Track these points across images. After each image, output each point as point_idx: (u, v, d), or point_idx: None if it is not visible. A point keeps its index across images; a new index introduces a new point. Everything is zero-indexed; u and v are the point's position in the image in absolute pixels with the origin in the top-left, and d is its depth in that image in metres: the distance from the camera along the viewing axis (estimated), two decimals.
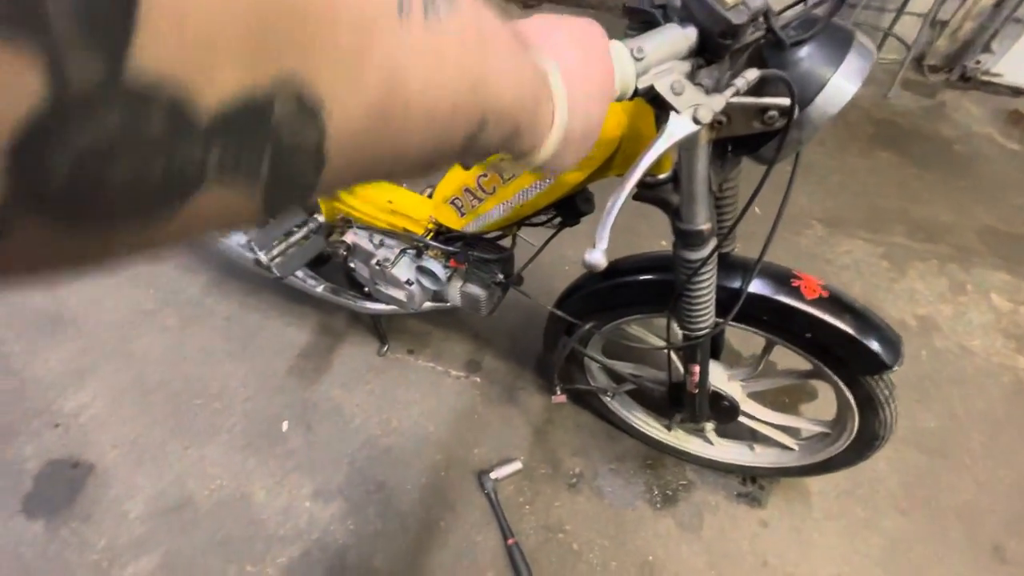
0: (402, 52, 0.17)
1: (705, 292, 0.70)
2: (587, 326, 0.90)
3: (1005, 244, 1.86)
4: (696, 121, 0.40)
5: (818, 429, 0.96)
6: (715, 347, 0.98)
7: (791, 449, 1.02)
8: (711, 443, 1.13)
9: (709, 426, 1.05)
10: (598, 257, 0.43)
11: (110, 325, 1.40)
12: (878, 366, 0.73)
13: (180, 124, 0.12)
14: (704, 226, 0.62)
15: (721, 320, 0.73)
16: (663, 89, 0.39)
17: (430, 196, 1.00)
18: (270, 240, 1.02)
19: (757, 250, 0.78)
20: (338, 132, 0.16)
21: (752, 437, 1.13)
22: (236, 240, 1.20)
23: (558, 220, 0.85)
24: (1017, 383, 1.46)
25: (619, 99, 0.39)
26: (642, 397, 1.17)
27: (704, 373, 0.83)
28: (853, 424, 0.85)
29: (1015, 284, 1.74)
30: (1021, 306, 1.69)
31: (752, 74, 0.43)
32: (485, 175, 0.78)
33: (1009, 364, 1.51)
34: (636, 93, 0.39)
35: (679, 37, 0.40)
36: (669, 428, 1.17)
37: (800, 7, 0.48)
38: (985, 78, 2.60)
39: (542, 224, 0.88)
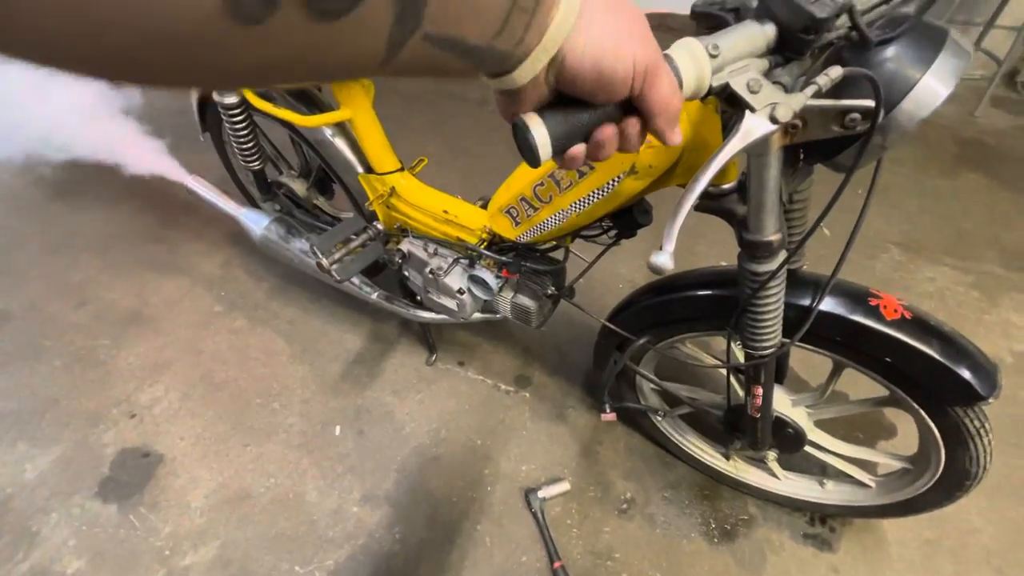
0: None
1: (772, 308, 0.66)
2: (640, 341, 0.87)
3: None
4: (774, 120, 0.38)
5: (898, 464, 0.87)
6: (779, 370, 0.93)
7: (867, 486, 0.93)
8: (775, 475, 1.05)
9: (772, 456, 0.98)
10: (665, 259, 0.41)
11: (185, 325, 1.50)
12: (971, 396, 0.66)
13: None
14: (773, 236, 0.59)
15: (788, 340, 0.69)
16: (739, 86, 0.38)
17: (483, 207, 1.01)
18: (331, 246, 1.07)
19: (827, 271, 0.74)
20: None
21: (822, 472, 1.04)
22: (299, 246, 1.26)
23: (614, 232, 0.84)
24: None
25: (693, 97, 0.38)
26: (697, 421, 1.12)
27: (768, 397, 0.78)
28: (939, 460, 0.77)
29: None
30: None
31: (836, 72, 0.41)
32: (542, 183, 0.78)
33: None
34: (711, 91, 0.38)
35: (757, 34, 0.39)
36: (727, 456, 1.10)
37: (885, 5, 0.46)
38: None
39: (597, 236, 0.87)
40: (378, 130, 1.05)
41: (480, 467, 1.21)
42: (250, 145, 1.20)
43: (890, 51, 0.46)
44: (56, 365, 1.40)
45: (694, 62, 0.36)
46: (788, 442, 0.89)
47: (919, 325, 0.69)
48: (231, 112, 1.12)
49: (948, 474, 0.78)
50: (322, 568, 1.06)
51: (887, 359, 0.69)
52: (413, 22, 0.22)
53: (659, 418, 1.08)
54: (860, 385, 0.98)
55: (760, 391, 0.77)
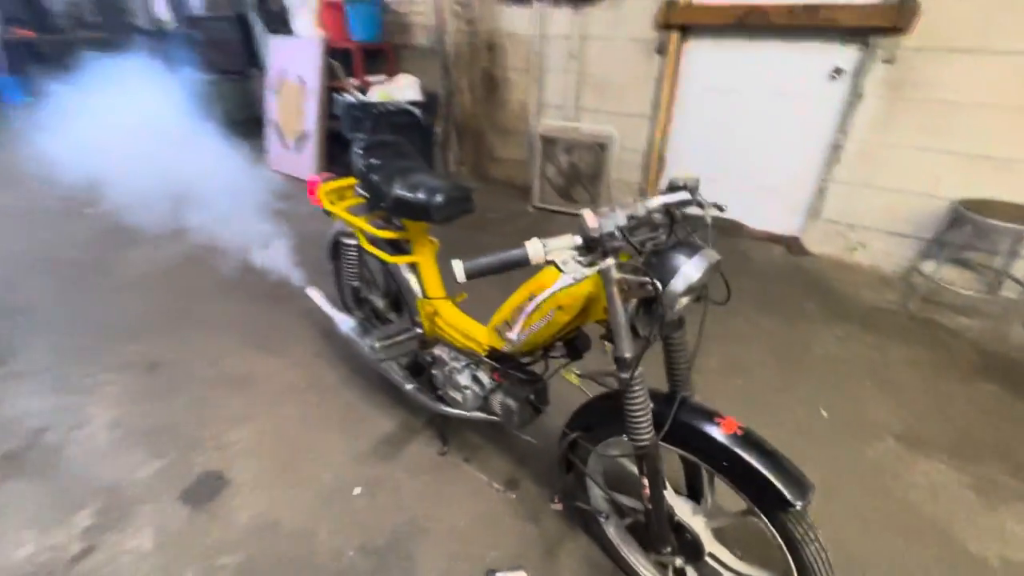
0: None
1: (639, 407, 0.95)
2: (573, 435, 1.17)
3: None
4: (577, 277, 0.78)
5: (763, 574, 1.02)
6: (693, 489, 1.15)
7: None
8: None
9: (690, 571, 1.14)
10: (458, 269, 0.78)
11: (273, 392, 1.98)
12: (784, 502, 0.87)
13: None
14: (627, 354, 0.92)
15: (656, 435, 0.97)
16: (557, 260, 0.79)
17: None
18: (386, 335, 1.53)
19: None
20: None
21: None
22: (369, 342, 1.74)
23: (566, 354, 1.20)
24: None
25: (536, 263, 0.79)
26: (640, 537, 1.30)
27: (656, 488, 1.01)
28: (791, 569, 0.93)
29: None
30: None
31: (610, 260, 0.81)
32: (514, 312, 1.19)
33: None
34: (548, 262, 0.80)
35: (569, 239, 0.81)
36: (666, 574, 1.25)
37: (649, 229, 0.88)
38: None
39: (558, 356, 1.24)
40: (435, 271, 1.56)
41: (457, 545, 1.43)
42: (355, 271, 1.77)
43: (669, 253, 0.85)
44: (182, 402, 1.92)
45: (533, 249, 0.77)
46: (689, 549, 1.07)
47: (748, 440, 0.93)
48: (349, 248, 1.71)
49: None
50: None
51: (724, 463, 0.93)
52: None
53: (603, 520, 1.28)
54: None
55: (647, 482, 1.01)
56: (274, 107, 4.53)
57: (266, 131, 4.69)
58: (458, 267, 0.79)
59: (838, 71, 2.82)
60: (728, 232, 3.47)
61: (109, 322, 2.40)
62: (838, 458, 1.76)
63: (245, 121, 5.41)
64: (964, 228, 2.46)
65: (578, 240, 0.81)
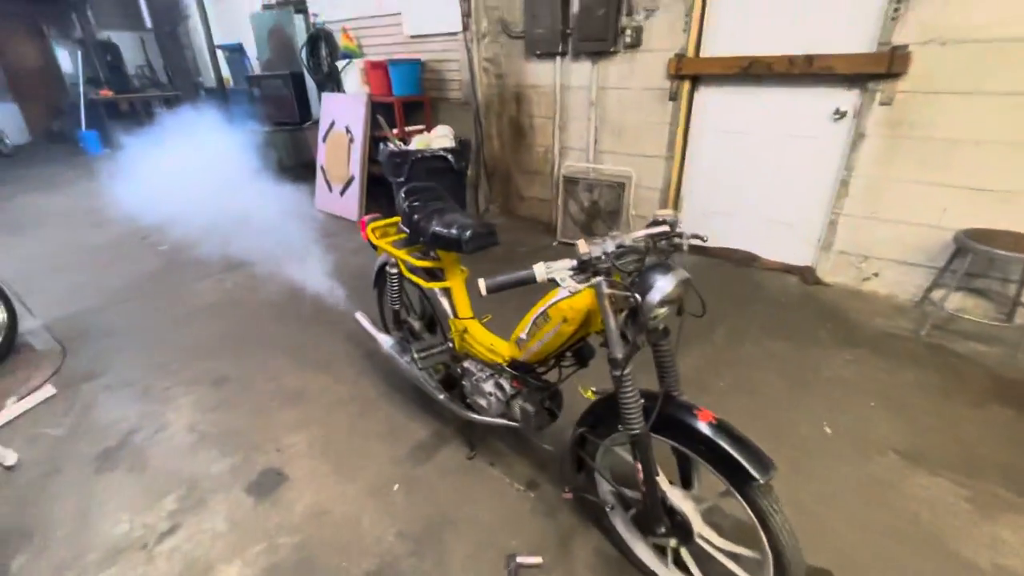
0: None
1: (630, 400, 1.16)
2: (581, 430, 1.37)
3: None
4: (571, 291, 1.02)
5: (751, 553, 1.17)
6: (684, 478, 1.33)
7: None
8: None
9: (684, 551, 1.30)
10: (482, 284, 1.02)
11: (324, 404, 2.24)
12: (749, 477, 1.05)
13: None
14: (618, 355, 1.14)
15: (645, 424, 1.17)
16: (556, 277, 1.03)
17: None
18: (423, 347, 1.79)
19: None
20: None
21: None
22: (407, 359, 1.99)
23: (575, 362, 1.42)
24: None
25: (542, 281, 1.03)
26: (641, 527, 1.46)
27: (648, 471, 1.20)
28: (763, 539, 1.09)
29: None
30: None
31: (600, 278, 1.05)
32: (530, 326, 1.42)
33: None
34: (550, 280, 1.03)
35: (567, 262, 1.05)
36: (666, 564, 1.41)
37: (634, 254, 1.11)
38: None
39: (568, 365, 1.46)
40: (464, 295, 1.82)
41: (483, 534, 1.63)
42: (397, 295, 2.05)
43: (648, 273, 1.08)
44: (246, 411, 2.20)
45: (539, 271, 1.02)
46: (681, 530, 1.24)
47: (720, 428, 1.11)
48: (392, 276, 2.00)
49: (776, 555, 1.08)
50: (361, 569, 1.52)
51: (703, 448, 1.11)
52: None
53: (610, 511, 1.46)
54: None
55: (641, 467, 1.20)
56: (323, 155, 5.02)
57: (317, 176, 5.17)
58: (482, 283, 1.04)
59: (840, 113, 3.03)
60: (743, 263, 3.64)
61: (182, 343, 2.75)
62: (838, 471, 1.88)
63: (295, 167, 5.96)
64: (968, 257, 2.57)
65: (574, 263, 1.05)
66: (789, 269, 3.50)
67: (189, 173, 5.62)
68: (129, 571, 1.53)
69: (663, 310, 1.11)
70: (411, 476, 1.86)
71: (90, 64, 8.85)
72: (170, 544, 1.61)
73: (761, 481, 1.05)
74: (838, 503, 1.73)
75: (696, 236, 1.24)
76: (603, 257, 1.05)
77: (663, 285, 1.06)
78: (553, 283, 1.05)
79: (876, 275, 3.19)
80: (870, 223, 3.10)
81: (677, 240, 1.21)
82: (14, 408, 2.21)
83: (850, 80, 2.94)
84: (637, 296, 1.06)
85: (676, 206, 3.86)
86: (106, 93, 8.92)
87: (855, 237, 3.18)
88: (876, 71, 2.78)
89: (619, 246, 1.14)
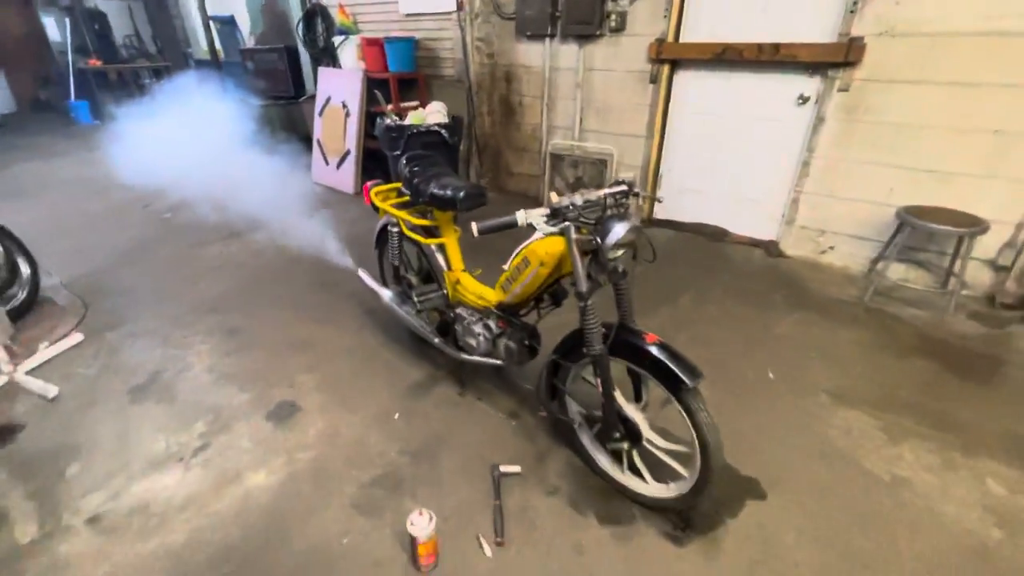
0: None
1: (592, 325, 1.43)
2: (555, 357, 1.65)
3: None
4: (544, 233, 1.28)
5: (685, 448, 1.48)
6: (637, 392, 1.62)
7: (684, 476, 1.51)
8: (645, 481, 1.65)
9: (635, 453, 1.61)
10: (474, 227, 1.29)
11: (329, 351, 2.51)
12: (681, 382, 1.34)
13: None
14: (583, 289, 1.41)
15: (603, 346, 1.45)
16: (533, 222, 1.29)
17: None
18: (421, 292, 2.07)
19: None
20: None
21: (669, 477, 1.62)
22: (406, 309, 2.25)
23: (551, 302, 1.70)
24: (979, 548, 1.59)
25: (522, 226, 1.29)
26: (602, 439, 1.76)
27: (607, 385, 1.49)
28: (694, 436, 1.39)
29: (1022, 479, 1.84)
30: (1020, 495, 1.79)
31: (569, 224, 1.31)
32: (514, 271, 1.68)
33: (979, 532, 1.64)
34: (528, 224, 1.30)
35: (542, 210, 1.31)
36: (621, 471, 1.71)
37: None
38: None
39: (545, 306, 1.74)
40: (457, 250, 2.08)
41: (471, 451, 1.92)
42: (397, 253, 2.30)
43: (607, 221, 1.35)
44: (259, 356, 2.46)
45: (520, 217, 1.28)
46: (633, 434, 1.55)
47: (661, 346, 1.40)
48: (393, 235, 2.25)
49: (702, 445, 1.39)
50: (368, 475, 1.81)
51: (648, 362, 1.40)
52: None
53: (577, 427, 1.76)
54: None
55: (600, 382, 1.49)
56: (319, 128, 5.18)
57: (313, 150, 5.34)
58: (474, 226, 1.30)
59: (803, 98, 3.30)
60: (714, 237, 3.93)
61: (194, 300, 2.98)
62: (774, 407, 2.19)
63: (290, 140, 6.11)
64: (907, 231, 2.88)
65: (547, 211, 1.32)
66: (756, 243, 3.81)
67: (185, 144, 5.78)
68: (170, 476, 1.80)
69: (620, 252, 1.38)
70: (409, 408, 2.14)
71: (78, 33, 8.78)
72: (203, 457, 1.88)
73: (690, 385, 1.34)
74: (771, 431, 2.05)
75: (652, 197, 1.51)
76: (571, 207, 1.32)
77: (618, 230, 1.33)
78: (531, 227, 1.31)
79: (832, 248, 3.51)
80: (827, 200, 3.40)
81: (633, 197, 1.48)
82: (47, 351, 2.44)
83: (812, 68, 3.20)
84: (597, 239, 1.33)
85: (655, 183, 4.13)
86: (95, 63, 8.88)
87: (814, 213, 3.48)
88: (835, 60, 3.05)
89: (585, 201, 1.40)
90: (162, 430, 2.01)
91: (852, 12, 2.97)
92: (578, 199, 1.37)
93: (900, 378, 2.38)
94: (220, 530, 1.61)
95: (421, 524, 1.41)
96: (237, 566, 1.50)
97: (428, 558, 1.45)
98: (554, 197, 1.32)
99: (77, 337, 2.56)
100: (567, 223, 1.33)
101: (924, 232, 2.85)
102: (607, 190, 1.47)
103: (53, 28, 9.52)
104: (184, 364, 2.40)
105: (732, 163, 3.74)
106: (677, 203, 4.11)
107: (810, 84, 3.26)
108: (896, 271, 3.24)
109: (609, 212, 1.43)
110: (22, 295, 2.77)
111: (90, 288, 3.10)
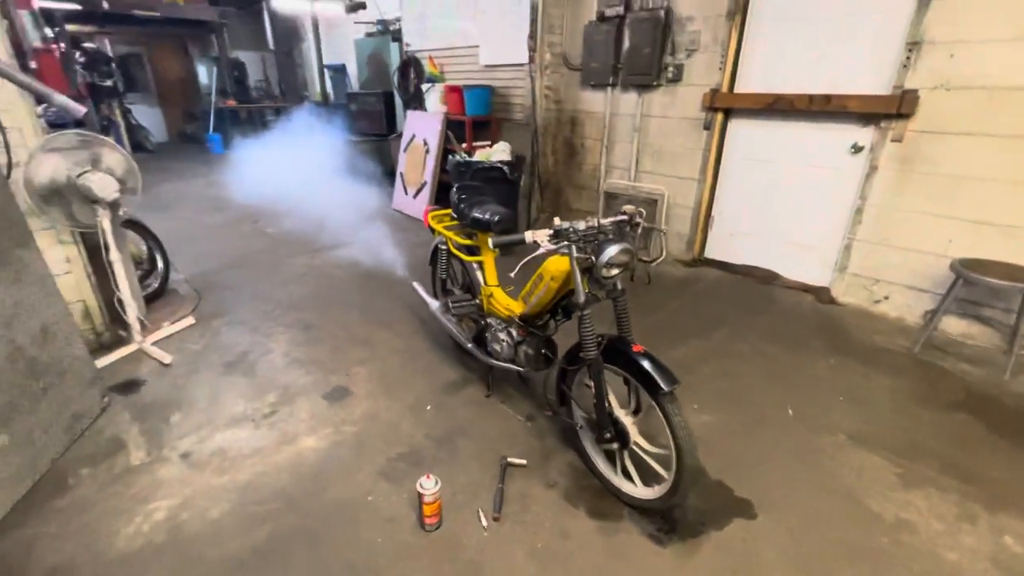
0: None
1: (588, 333, 1.65)
2: (561, 364, 1.88)
3: None
4: (546, 249, 1.55)
5: (664, 451, 1.63)
6: (633, 400, 1.81)
7: (665, 478, 1.66)
8: (635, 484, 1.81)
9: (626, 454, 1.78)
10: (491, 240, 1.58)
11: (383, 351, 2.89)
12: (657, 386, 1.52)
13: None
14: (580, 300, 1.65)
15: (597, 353, 1.67)
16: (538, 240, 1.56)
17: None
18: (456, 301, 2.38)
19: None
20: None
21: (654, 480, 1.76)
22: (449, 318, 2.58)
23: (563, 315, 1.95)
24: None
25: (529, 243, 1.57)
26: (597, 438, 1.93)
27: (599, 390, 1.69)
28: (670, 438, 1.55)
29: None
30: None
31: (571, 243, 1.57)
32: (532, 286, 1.95)
33: None
34: (534, 243, 1.58)
35: (547, 231, 1.58)
36: (616, 472, 1.88)
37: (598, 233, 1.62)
38: None
39: (558, 318, 1.99)
40: (493, 267, 2.39)
41: (488, 443, 2.17)
42: (444, 268, 2.66)
43: (603, 243, 1.59)
44: (325, 348, 2.90)
45: (527, 234, 1.56)
46: (622, 436, 1.73)
47: (646, 355, 1.58)
48: (442, 252, 2.61)
49: (676, 447, 1.54)
50: (396, 451, 2.11)
51: (634, 369, 1.59)
52: None
53: (580, 429, 1.95)
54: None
55: (594, 384, 1.69)
56: (403, 162, 5.84)
57: (396, 181, 6.01)
58: (490, 240, 1.61)
59: (857, 147, 3.34)
60: (764, 280, 3.95)
61: (281, 299, 3.53)
62: (785, 440, 2.23)
63: (378, 173, 6.87)
64: (964, 284, 2.79)
65: (550, 231, 1.59)
66: (807, 288, 3.78)
67: (292, 172, 6.71)
68: (243, 432, 2.22)
69: (614, 271, 1.62)
70: (441, 402, 2.44)
71: (221, 78, 10.45)
72: (270, 421, 2.29)
73: (666, 389, 1.52)
74: (775, 460, 2.11)
75: (656, 228, 1.74)
76: (572, 230, 1.59)
77: (610, 251, 1.57)
78: (535, 244, 1.59)
79: (886, 298, 3.42)
80: (881, 248, 3.36)
81: (635, 225, 1.72)
82: (168, 329, 3.03)
83: (865, 118, 3.25)
84: (592, 257, 1.58)
85: (706, 225, 4.25)
86: (231, 103, 10.48)
87: (867, 261, 3.44)
88: (887, 111, 3.10)
89: (588, 227, 1.66)
90: (242, 397, 2.46)
91: (905, 67, 3.03)
92: (580, 224, 1.64)
93: (932, 429, 2.32)
94: (275, 476, 1.97)
95: (428, 485, 1.68)
96: (284, 504, 1.84)
97: (432, 518, 1.71)
98: (556, 221, 1.59)
99: (190, 320, 3.15)
100: (568, 243, 1.60)
101: (986, 287, 2.75)
102: (610, 219, 1.72)
103: (203, 74, 11.39)
104: (266, 348, 2.89)
105: (784, 208, 3.80)
106: (728, 245, 4.19)
107: (863, 134, 3.30)
108: (957, 326, 3.11)
109: (610, 236, 1.67)
110: (155, 284, 3.45)
111: (204, 284, 3.76)
